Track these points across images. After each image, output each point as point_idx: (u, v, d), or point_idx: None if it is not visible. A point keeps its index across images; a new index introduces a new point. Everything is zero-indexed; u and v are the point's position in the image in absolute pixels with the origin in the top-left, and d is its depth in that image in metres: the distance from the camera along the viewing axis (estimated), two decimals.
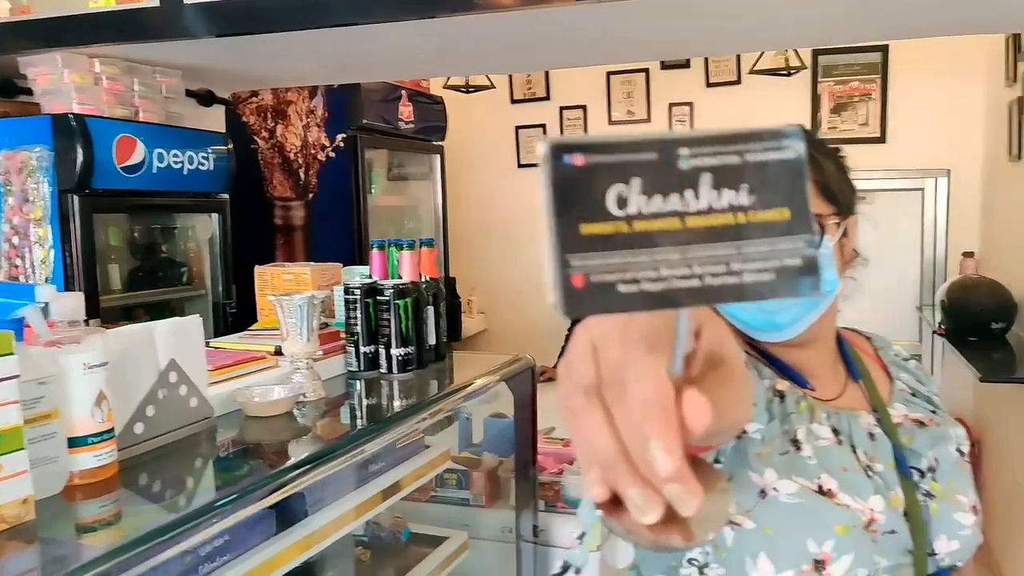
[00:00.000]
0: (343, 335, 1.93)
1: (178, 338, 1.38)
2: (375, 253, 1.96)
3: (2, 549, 0.96)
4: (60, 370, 1.11)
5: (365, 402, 1.83)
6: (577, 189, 0.35)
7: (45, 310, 1.09)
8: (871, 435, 1.05)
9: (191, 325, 1.42)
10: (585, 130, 5.56)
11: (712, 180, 0.36)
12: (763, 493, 0.95)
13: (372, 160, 4.34)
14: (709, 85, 5.35)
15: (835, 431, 1.03)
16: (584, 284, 0.34)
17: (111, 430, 1.18)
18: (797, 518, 0.94)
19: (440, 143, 4.80)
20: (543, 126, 5.58)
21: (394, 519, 2.13)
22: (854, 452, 1.02)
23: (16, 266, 2.65)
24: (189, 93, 3.34)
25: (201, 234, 3.36)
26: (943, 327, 4.28)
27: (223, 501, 1.26)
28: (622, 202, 0.35)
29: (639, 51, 3.53)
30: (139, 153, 2.90)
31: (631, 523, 0.38)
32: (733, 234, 0.36)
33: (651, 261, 0.35)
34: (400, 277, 1.96)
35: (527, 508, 2.17)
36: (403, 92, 4.31)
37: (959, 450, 1.09)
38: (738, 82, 5.28)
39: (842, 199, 1.06)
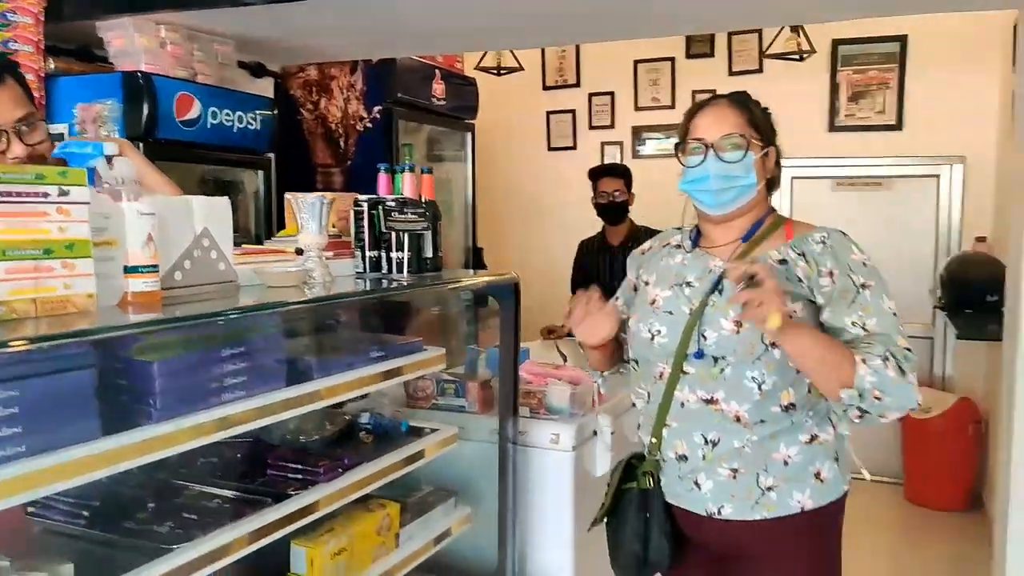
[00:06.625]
0: (353, 244, 2.29)
1: (211, 213, 1.75)
2: (382, 176, 2.32)
3: (75, 321, 1.34)
4: (120, 212, 1.48)
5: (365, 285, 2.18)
6: None
7: (109, 161, 1.46)
8: (709, 269, 1.85)
9: (221, 205, 1.79)
10: (612, 115, 5.88)
11: None
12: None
13: (411, 132, 4.71)
14: (732, 73, 5.64)
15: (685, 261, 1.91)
16: None
17: (156, 266, 1.54)
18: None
19: (472, 121, 5.17)
20: (573, 111, 5.92)
21: (395, 412, 2.48)
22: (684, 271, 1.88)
23: None
24: (242, 65, 3.75)
25: (249, 188, 3.77)
26: (942, 300, 4.50)
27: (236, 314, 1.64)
28: None
29: (668, 26, 3.82)
30: (196, 110, 3.31)
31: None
32: None
33: None
34: (402, 195, 2.31)
35: (511, 414, 2.51)
36: (436, 71, 4.69)
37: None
38: (760, 71, 5.56)
39: (764, 133, 1.84)
